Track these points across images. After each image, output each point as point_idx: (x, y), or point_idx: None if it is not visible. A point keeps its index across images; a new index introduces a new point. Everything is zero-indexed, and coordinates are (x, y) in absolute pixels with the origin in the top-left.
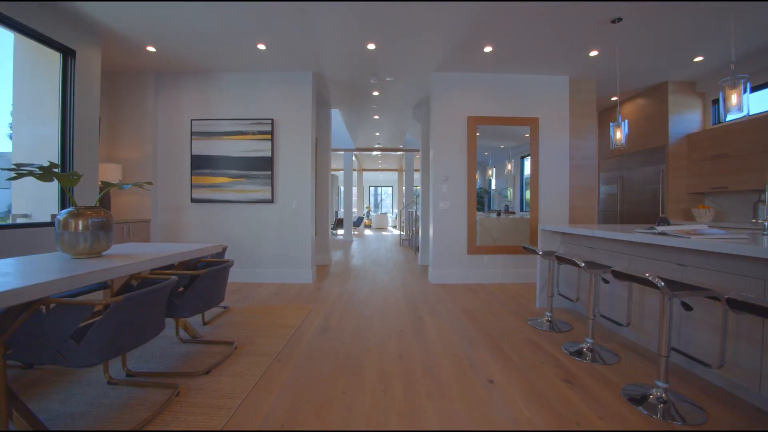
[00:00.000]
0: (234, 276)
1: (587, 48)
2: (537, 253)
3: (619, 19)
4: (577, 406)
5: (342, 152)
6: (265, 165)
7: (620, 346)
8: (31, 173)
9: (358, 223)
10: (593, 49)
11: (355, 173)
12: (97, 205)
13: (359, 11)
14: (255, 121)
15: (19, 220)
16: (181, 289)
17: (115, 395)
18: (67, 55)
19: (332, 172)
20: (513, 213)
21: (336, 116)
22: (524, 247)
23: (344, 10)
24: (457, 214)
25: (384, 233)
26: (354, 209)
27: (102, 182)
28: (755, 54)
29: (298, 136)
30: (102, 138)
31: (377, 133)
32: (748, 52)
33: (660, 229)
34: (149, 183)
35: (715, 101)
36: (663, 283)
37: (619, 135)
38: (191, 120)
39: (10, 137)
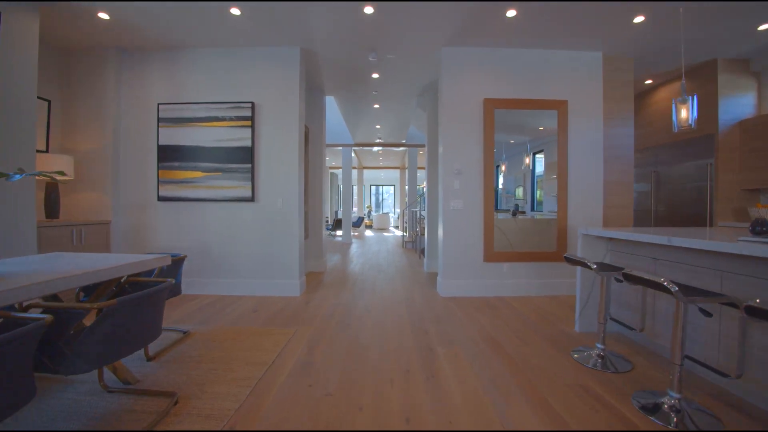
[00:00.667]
0: (208, 288)
1: (631, 13)
2: (587, 266)
3: None
4: None
5: (340, 148)
6: (244, 157)
7: (715, 400)
8: None
9: (358, 223)
10: (638, 14)
11: (355, 171)
12: None
13: None
14: (232, 105)
15: None
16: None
17: None
18: None
19: (332, 170)
20: (523, 213)
21: (333, 108)
22: (567, 258)
23: None
24: (472, 214)
25: (385, 234)
26: (354, 209)
27: None
28: None
29: (284, 122)
30: (54, 126)
31: (378, 126)
32: None
33: None
34: (60, 173)
35: None
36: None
37: (684, 114)
38: (158, 104)
39: None
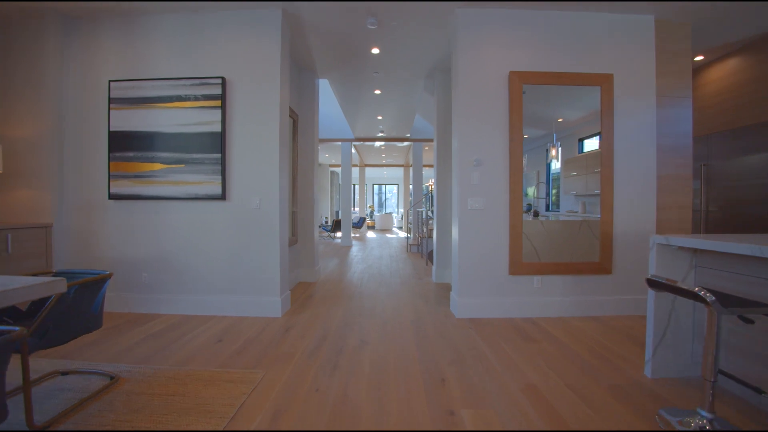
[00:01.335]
0: (168, 306)
1: None
2: (697, 298)
3: None
4: None
5: (339, 143)
6: (212, 144)
7: None
8: None
9: (359, 224)
10: None
11: (357, 170)
12: None
13: None
14: (199, 82)
15: None
16: None
17: None
18: None
19: (332, 168)
20: (537, 214)
21: (330, 97)
22: (651, 281)
23: None
24: (495, 215)
25: (388, 235)
26: (356, 209)
27: None
28: None
29: (263, 103)
30: None
31: (379, 117)
32: None
33: None
34: None
35: None
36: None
37: None
38: (110, 81)
39: None
